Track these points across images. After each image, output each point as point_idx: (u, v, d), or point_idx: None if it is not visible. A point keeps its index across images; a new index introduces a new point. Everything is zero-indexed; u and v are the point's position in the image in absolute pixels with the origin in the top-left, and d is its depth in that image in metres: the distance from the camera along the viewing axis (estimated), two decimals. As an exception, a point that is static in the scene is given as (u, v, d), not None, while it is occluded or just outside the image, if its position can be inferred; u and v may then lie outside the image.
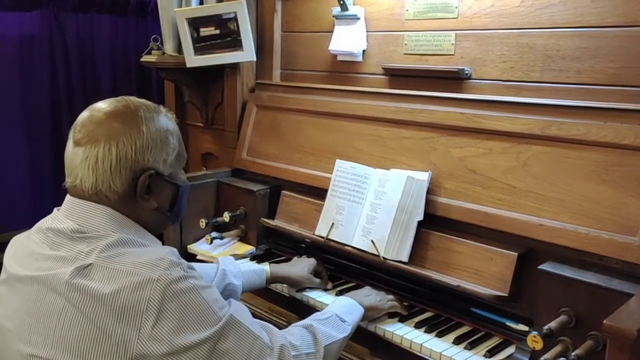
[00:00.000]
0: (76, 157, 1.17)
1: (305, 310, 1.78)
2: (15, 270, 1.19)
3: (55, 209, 1.24)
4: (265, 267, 1.81)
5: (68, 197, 1.22)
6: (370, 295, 1.65)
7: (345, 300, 1.57)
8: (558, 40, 1.69)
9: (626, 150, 1.44)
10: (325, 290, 1.86)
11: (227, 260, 1.76)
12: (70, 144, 1.20)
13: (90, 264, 1.09)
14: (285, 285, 1.87)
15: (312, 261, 1.90)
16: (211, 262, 1.85)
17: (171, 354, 1.05)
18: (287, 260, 2.01)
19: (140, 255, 1.11)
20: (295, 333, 1.34)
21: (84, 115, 1.22)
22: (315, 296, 1.81)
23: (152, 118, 1.22)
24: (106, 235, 1.14)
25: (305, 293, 1.84)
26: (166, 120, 1.26)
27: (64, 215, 1.19)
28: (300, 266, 1.87)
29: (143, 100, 1.26)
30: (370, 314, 1.60)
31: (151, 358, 1.04)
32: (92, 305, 1.05)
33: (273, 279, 1.81)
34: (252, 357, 1.16)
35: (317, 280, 1.87)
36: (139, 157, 1.18)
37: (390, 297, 1.70)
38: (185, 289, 1.09)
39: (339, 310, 1.49)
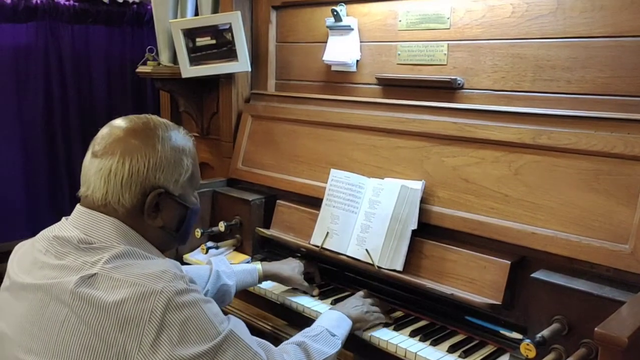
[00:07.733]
0: (91, 168, 1.21)
1: (295, 316, 1.83)
2: (20, 278, 1.20)
3: (63, 218, 1.27)
4: (257, 266, 1.85)
5: (78, 206, 1.24)
6: (358, 306, 1.66)
7: (334, 314, 1.59)
8: (548, 50, 1.71)
9: (616, 159, 1.45)
10: (312, 296, 1.88)
11: (220, 260, 1.78)
12: (88, 155, 1.23)
13: (95, 273, 1.11)
14: (275, 293, 1.89)
15: (302, 263, 1.93)
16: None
17: None
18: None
19: (145, 267, 1.13)
20: (289, 351, 1.36)
21: (104, 129, 1.25)
22: (307, 303, 1.83)
23: (169, 137, 1.24)
24: (112, 247, 1.16)
25: (295, 300, 1.85)
26: (183, 141, 1.28)
27: (72, 224, 1.22)
28: (292, 265, 1.91)
29: (164, 120, 1.29)
30: (358, 326, 1.63)
31: None
32: (95, 315, 1.06)
33: (265, 276, 1.85)
34: None
35: (306, 284, 1.90)
36: (151, 174, 1.20)
37: (376, 308, 1.70)
38: (187, 302, 1.10)
39: (328, 325, 1.51)
